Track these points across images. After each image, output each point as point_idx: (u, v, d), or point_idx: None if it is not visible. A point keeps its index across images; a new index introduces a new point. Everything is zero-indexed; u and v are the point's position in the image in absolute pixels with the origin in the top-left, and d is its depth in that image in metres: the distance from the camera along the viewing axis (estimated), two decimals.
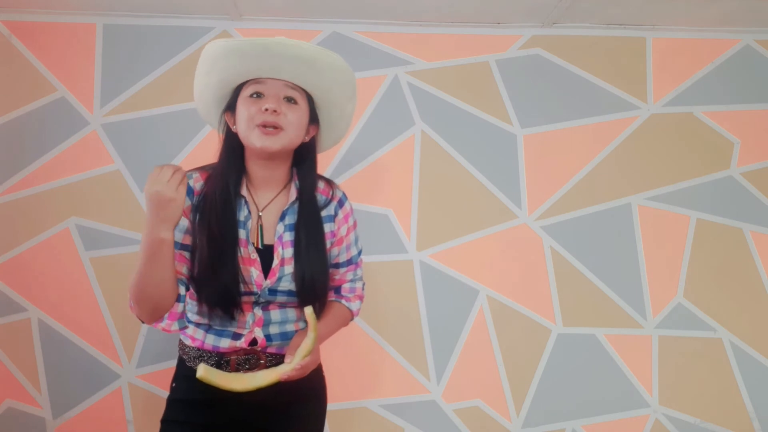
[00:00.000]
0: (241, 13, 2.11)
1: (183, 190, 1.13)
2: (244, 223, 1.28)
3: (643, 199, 2.18)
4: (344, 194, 1.43)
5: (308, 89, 1.31)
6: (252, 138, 1.24)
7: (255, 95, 1.27)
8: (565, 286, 2.13)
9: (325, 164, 2.11)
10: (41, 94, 2.10)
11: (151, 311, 1.22)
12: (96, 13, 2.11)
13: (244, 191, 1.30)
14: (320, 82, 1.30)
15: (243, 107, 1.26)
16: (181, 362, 1.36)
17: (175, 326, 1.30)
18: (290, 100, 1.28)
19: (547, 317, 2.12)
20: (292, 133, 1.27)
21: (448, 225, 2.13)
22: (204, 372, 1.16)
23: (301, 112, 1.29)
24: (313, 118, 1.34)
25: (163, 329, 1.29)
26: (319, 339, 1.29)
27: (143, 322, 1.26)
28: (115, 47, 2.12)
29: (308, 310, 1.21)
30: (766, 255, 2.16)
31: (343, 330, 1.48)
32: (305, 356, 1.21)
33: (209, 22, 2.14)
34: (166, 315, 1.27)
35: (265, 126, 1.23)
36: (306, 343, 1.23)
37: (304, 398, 1.36)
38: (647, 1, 2.03)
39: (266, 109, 1.23)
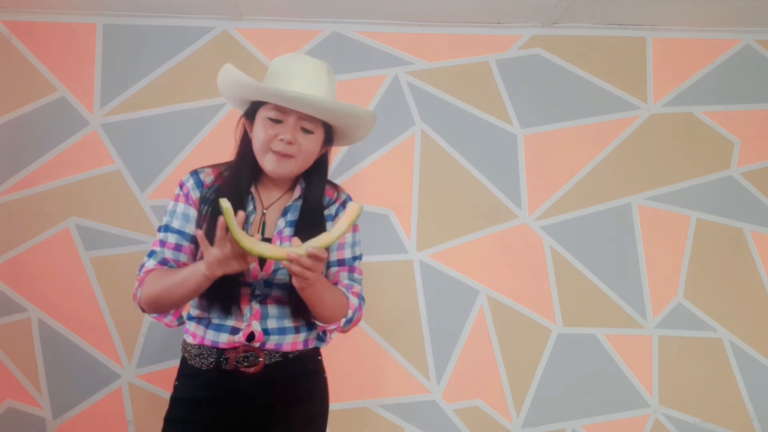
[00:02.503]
0: (241, 13, 2.11)
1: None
2: (248, 217, 1.32)
3: (643, 199, 2.18)
4: (349, 197, 1.45)
5: (327, 121, 1.35)
6: (265, 161, 1.30)
7: (274, 120, 1.29)
8: (565, 286, 2.13)
9: None
10: (41, 94, 2.10)
11: (162, 312, 1.31)
12: (96, 13, 2.11)
13: (252, 189, 1.35)
14: (340, 122, 1.35)
15: (261, 127, 1.30)
16: (183, 361, 1.37)
17: (176, 322, 1.36)
18: (306, 131, 1.31)
19: (547, 317, 2.12)
20: (303, 161, 1.32)
21: (448, 225, 2.13)
22: (227, 205, 1.10)
23: (315, 140, 1.33)
24: (328, 140, 1.38)
25: (166, 324, 1.35)
26: (313, 294, 1.24)
27: (143, 311, 1.31)
28: (115, 47, 2.12)
29: (353, 206, 1.19)
30: (766, 255, 2.16)
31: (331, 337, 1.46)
32: (320, 246, 1.16)
33: (209, 22, 2.14)
34: (171, 311, 1.33)
35: (278, 154, 1.28)
36: (327, 235, 1.18)
37: (307, 399, 1.36)
38: (647, 1, 2.03)
39: (282, 139, 1.27)
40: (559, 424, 2.09)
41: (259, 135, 1.29)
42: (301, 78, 1.29)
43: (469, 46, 2.20)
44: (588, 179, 2.17)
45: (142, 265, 1.31)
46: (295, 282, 1.20)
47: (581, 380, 2.10)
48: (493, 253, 2.12)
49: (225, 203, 1.10)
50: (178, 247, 1.31)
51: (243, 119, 1.37)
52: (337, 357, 2.00)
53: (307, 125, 1.30)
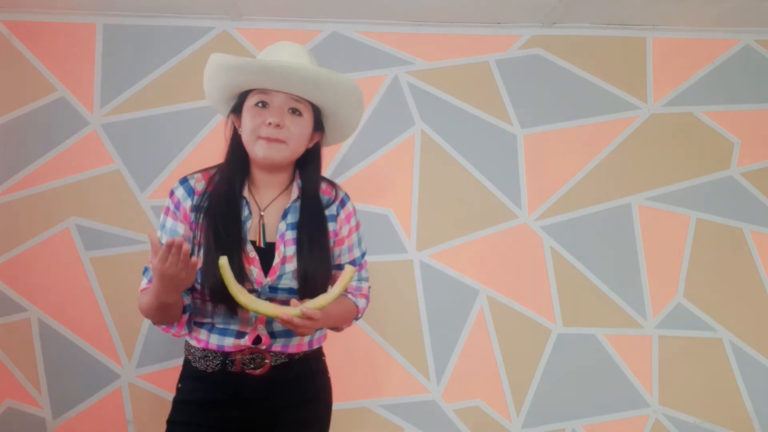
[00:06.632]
0: (241, 13, 2.11)
1: (192, 270, 1.14)
2: (244, 223, 1.29)
3: (643, 199, 2.18)
4: (347, 195, 1.43)
5: (314, 102, 1.33)
6: (255, 149, 1.27)
7: (260, 104, 1.28)
8: (565, 286, 2.13)
9: (325, 164, 2.08)
10: (41, 94, 2.10)
11: (159, 323, 1.30)
12: (96, 13, 2.11)
13: (245, 192, 1.31)
14: (325, 97, 1.31)
15: (248, 115, 1.28)
16: (187, 363, 1.36)
17: (184, 331, 1.33)
18: (295, 111, 1.29)
19: (547, 317, 2.12)
20: (294, 146, 1.29)
21: (448, 225, 2.13)
22: (225, 263, 1.16)
23: (305, 124, 1.30)
24: (318, 126, 1.36)
25: (173, 335, 1.33)
26: (324, 318, 1.27)
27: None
28: (115, 47, 2.12)
29: (349, 268, 1.24)
30: (766, 255, 2.16)
31: (344, 329, 1.48)
32: (315, 307, 1.19)
33: (209, 22, 2.14)
34: (176, 323, 1.30)
35: (268, 139, 1.26)
36: (322, 297, 1.22)
37: (311, 401, 1.36)
38: (647, 1, 2.03)
39: (270, 123, 1.25)
40: (559, 424, 2.09)
41: (246, 124, 1.28)
42: (279, 56, 1.30)
43: (469, 46, 2.20)
44: (588, 179, 2.17)
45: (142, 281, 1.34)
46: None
47: (581, 380, 2.10)
48: (493, 253, 2.12)
49: (222, 260, 1.16)
50: None
51: (231, 115, 1.35)
52: (338, 357, 2.00)
53: (294, 105, 1.28)
